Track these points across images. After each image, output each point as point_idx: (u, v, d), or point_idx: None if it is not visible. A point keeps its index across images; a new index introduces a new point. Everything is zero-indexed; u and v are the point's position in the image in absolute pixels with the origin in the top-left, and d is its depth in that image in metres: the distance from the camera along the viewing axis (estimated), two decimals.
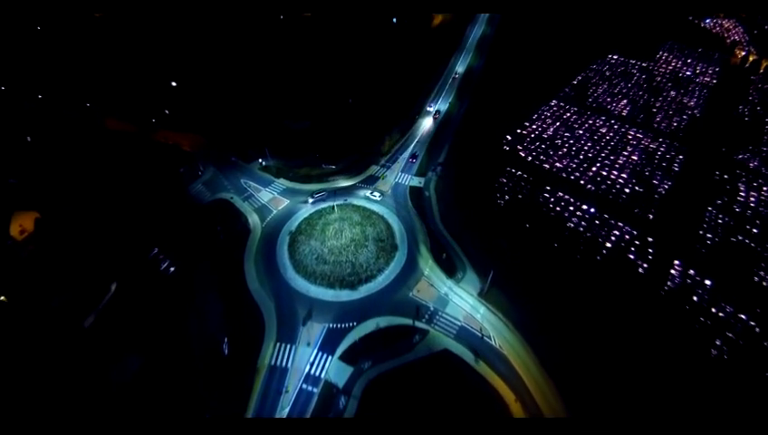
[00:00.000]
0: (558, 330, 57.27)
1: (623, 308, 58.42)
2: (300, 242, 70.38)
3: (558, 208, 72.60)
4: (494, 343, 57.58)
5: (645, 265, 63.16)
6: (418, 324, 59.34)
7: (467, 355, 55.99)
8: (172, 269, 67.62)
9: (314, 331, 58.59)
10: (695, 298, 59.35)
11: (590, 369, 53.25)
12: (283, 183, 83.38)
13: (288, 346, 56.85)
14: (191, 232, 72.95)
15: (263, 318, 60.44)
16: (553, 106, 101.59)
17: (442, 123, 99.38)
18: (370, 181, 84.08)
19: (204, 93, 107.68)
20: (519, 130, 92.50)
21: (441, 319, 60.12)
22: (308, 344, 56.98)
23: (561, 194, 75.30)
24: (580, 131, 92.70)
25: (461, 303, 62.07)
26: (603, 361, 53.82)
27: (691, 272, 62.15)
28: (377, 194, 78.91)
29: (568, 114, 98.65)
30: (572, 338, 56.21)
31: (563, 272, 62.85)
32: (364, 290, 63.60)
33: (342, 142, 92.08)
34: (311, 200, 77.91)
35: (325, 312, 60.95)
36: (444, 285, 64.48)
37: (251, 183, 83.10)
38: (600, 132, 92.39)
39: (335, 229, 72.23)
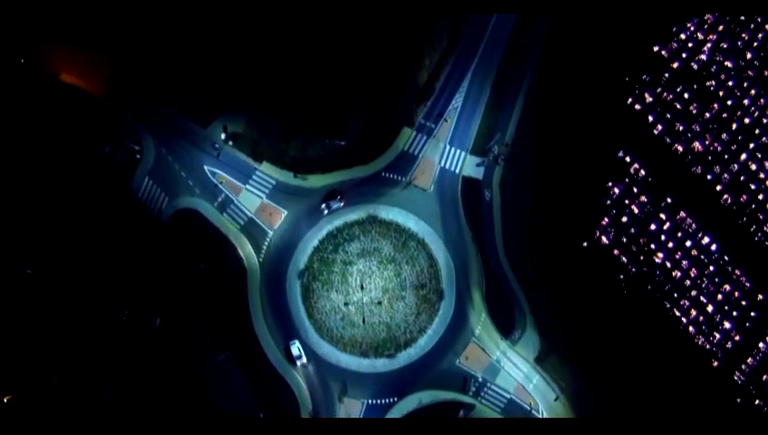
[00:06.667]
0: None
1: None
2: (316, 293, 53.69)
3: (671, 244, 52.14)
4: (541, 416, 55.11)
5: (737, 338, 52.23)
6: (465, 399, 54.73)
7: None
8: (169, 328, 54.76)
9: (353, 408, 54.15)
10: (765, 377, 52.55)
11: None
12: (269, 173, 54.57)
13: None
14: (165, 270, 54.21)
15: (294, 395, 54.52)
16: None
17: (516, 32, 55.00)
18: (403, 164, 55.35)
19: None
20: (657, 48, 53.31)
21: (489, 391, 54.70)
22: None
23: (683, 215, 52.22)
24: (750, 54, 53.90)
25: (514, 372, 54.52)
26: None
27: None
28: None
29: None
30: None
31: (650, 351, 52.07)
32: (404, 358, 54.17)
33: (346, 71, 54.01)
34: (326, 212, 54.05)
35: (361, 385, 53.73)
36: (497, 348, 54.66)
37: (220, 173, 54.47)
38: None
39: (360, 272, 53.78)
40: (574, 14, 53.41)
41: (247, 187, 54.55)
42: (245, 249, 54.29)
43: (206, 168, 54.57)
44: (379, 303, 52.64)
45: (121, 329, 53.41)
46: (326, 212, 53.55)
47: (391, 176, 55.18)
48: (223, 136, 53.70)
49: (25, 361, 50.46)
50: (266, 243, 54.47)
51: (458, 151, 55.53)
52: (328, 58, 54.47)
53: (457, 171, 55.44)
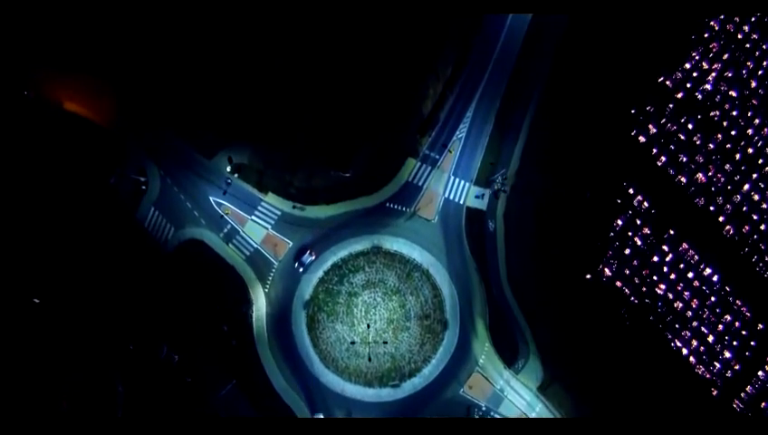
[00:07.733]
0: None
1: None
2: (321, 324, 54.14)
3: (673, 276, 52.61)
4: None
5: (737, 367, 52.83)
6: None
7: None
8: (176, 358, 55.16)
9: None
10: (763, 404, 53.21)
11: None
12: (274, 204, 54.89)
13: None
14: (171, 300, 54.57)
15: None
16: None
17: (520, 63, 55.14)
18: (407, 195, 55.59)
19: None
20: (662, 78, 53.39)
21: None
22: None
23: (686, 246, 52.62)
24: (754, 82, 54.08)
25: (517, 400, 55.25)
26: None
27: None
28: None
29: (746, 27, 54.30)
30: None
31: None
32: (408, 387, 54.74)
33: (350, 101, 54.21)
34: (301, 270, 53.86)
35: (366, 414, 54.64)
36: (500, 377, 55.34)
37: (225, 204, 54.69)
38: None
39: (365, 304, 54.24)
40: (586, 14, 52.28)
41: (253, 217, 54.78)
42: (251, 280, 54.65)
43: (211, 198, 54.75)
44: (385, 342, 53.10)
45: (129, 359, 53.88)
46: (301, 270, 53.53)
47: (396, 207, 55.39)
48: (228, 167, 53.78)
49: (32, 389, 50.93)
50: (272, 273, 54.80)
51: (462, 182, 55.75)
52: (332, 88, 54.50)
53: (461, 202, 55.67)
